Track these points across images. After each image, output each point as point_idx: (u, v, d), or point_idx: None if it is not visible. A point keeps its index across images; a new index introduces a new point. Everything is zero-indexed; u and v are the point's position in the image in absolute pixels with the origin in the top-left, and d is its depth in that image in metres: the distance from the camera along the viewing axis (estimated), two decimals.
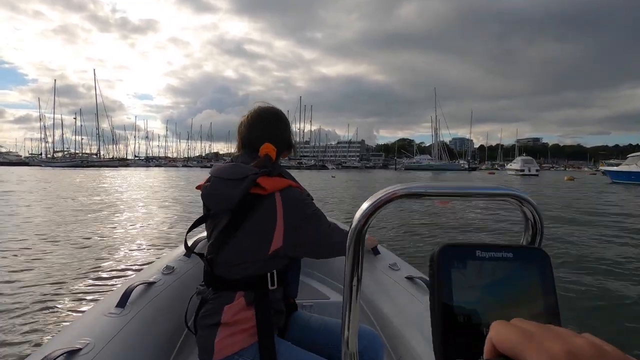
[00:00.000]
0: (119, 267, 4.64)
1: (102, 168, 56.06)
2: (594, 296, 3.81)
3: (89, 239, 6.25)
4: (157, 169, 67.34)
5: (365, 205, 0.47)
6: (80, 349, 1.13)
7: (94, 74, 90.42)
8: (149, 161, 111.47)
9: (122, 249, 5.61)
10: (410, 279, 1.82)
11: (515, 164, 52.40)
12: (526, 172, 47.75)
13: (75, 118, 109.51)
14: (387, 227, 7.97)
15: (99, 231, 6.97)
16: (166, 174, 37.51)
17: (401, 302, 1.67)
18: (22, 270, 4.50)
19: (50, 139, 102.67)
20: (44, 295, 3.74)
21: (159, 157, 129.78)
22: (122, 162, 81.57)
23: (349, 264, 0.49)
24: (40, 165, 63.25)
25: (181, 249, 2.13)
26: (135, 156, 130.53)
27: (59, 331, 1.49)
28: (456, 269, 0.40)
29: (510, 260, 0.42)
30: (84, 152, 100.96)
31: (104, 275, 4.38)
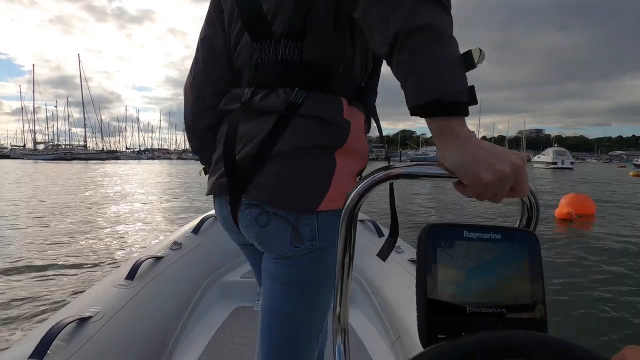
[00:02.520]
0: None
1: (88, 161, 51.58)
2: None
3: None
4: (149, 161, 62.63)
5: (358, 185, 0.48)
6: (90, 317, 1.18)
7: (79, 59, 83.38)
8: (140, 153, 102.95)
9: None
10: (413, 261, 1.83)
11: (546, 156, 45.94)
12: (559, 165, 41.79)
13: (56, 106, 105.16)
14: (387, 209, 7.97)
15: None
16: (151, 167, 35.02)
17: (403, 284, 1.69)
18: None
19: (42, 131, 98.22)
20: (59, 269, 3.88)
21: (153, 149, 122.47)
22: (110, 155, 74.48)
23: (341, 243, 0.50)
24: (22, 158, 58.21)
25: (189, 226, 2.18)
26: (126, 148, 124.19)
27: (70, 300, 1.55)
28: (443, 249, 0.41)
29: (499, 241, 0.42)
30: (69, 143, 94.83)
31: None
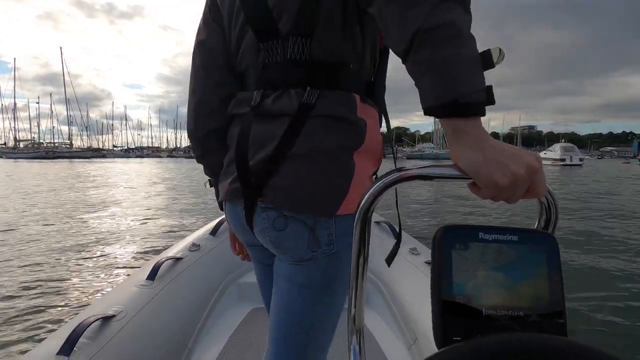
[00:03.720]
0: None
1: (73, 160, 49.30)
2: None
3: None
4: (137, 160, 58.28)
5: (372, 186, 0.48)
6: (114, 316, 1.22)
7: (61, 53, 79.07)
8: (128, 152, 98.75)
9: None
10: (430, 263, 1.81)
11: (553, 152, 43.31)
12: (568, 161, 39.14)
13: (38, 102, 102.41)
14: (407, 212, 7.90)
15: None
16: (138, 166, 31.91)
17: (419, 287, 1.68)
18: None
19: (30, 129, 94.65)
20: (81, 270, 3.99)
21: (142, 148, 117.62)
22: (96, 153, 72.41)
23: (355, 244, 0.50)
24: (1, 157, 56.15)
25: (206, 228, 2.22)
26: (113, 146, 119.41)
27: (94, 300, 1.60)
28: (458, 251, 0.41)
29: (515, 243, 0.42)
30: (50, 141, 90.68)
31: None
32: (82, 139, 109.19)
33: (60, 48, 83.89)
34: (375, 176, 0.78)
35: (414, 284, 1.73)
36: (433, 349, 0.41)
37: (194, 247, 1.94)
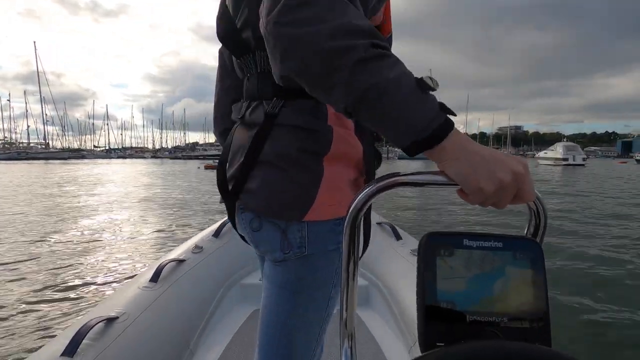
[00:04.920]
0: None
1: (48, 161, 47.08)
2: None
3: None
4: (119, 161, 56.25)
5: (362, 191, 0.49)
6: (117, 318, 1.24)
7: (34, 47, 73.85)
8: (110, 152, 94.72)
9: None
10: None
11: (554, 152, 42.23)
12: (570, 161, 37.74)
13: (9, 100, 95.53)
14: (407, 214, 7.88)
15: None
16: (116, 168, 29.87)
17: None
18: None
19: (17, 129, 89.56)
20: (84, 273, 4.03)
21: (125, 148, 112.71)
22: (75, 154, 68.37)
23: (345, 248, 0.51)
24: None
25: (209, 230, 2.24)
26: (94, 146, 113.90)
27: (98, 302, 1.63)
28: (442, 257, 0.42)
29: (500, 250, 0.43)
30: (22, 141, 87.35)
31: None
32: (66, 139, 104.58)
33: (34, 43, 78.65)
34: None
35: (415, 285, 1.73)
36: None
37: (197, 249, 1.96)
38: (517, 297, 0.42)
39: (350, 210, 0.49)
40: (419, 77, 0.47)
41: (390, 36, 0.77)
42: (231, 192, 0.74)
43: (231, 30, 0.74)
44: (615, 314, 3.08)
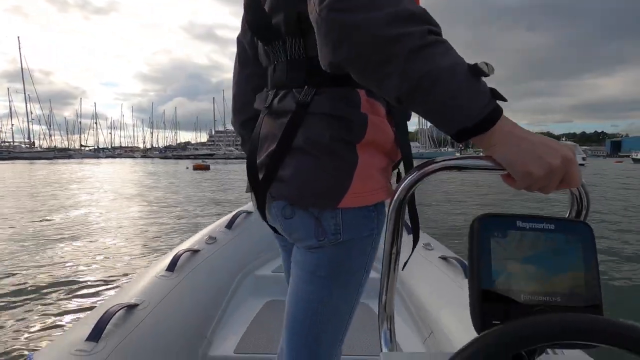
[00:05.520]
0: None
1: (33, 161, 45.11)
2: None
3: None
4: (108, 160, 53.83)
5: (407, 177, 0.49)
6: (137, 305, 1.25)
7: (19, 43, 72.74)
8: (98, 152, 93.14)
9: None
10: (444, 259, 1.82)
11: None
12: None
13: None
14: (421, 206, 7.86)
15: None
16: (96, 169, 27.70)
17: (434, 281, 1.69)
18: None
19: (2, 128, 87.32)
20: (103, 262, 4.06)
21: (114, 147, 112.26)
22: (61, 154, 66.44)
23: (389, 234, 0.52)
24: None
25: (222, 221, 2.25)
26: (81, 145, 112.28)
27: (117, 289, 1.65)
28: (496, 238, 0.42)
29: (552, 232, 0.43)
30: (4, 140, 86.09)
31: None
32: (54, 139, 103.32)
33: (18, 38, 76.81)
34: (398, 170, 0.79)
35: (429, 278, 1.74)
36: (449, 342, 0.42)
37: (211, 239, 1.97)
38: (569, 279, 0.42)
39: (395, 197, 0.50)
40: (473, 63, 0.47)
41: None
42: (262, 180, 0.72)
43: (260, 16, 0.73)
44: None
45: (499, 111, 0.47)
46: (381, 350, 0.56)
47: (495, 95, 0.47)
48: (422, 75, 0.45)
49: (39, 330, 2.68)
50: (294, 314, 0.76)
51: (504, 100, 0.48)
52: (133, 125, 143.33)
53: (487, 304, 0.41)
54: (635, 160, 48.23)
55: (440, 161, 0.49)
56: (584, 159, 39.19)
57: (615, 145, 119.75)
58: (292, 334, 0.77)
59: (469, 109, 0.46)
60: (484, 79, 0.48)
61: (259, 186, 0.73)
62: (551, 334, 0.33)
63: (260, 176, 0.73)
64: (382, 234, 0.55)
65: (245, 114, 0.89)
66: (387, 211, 0.53)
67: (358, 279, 0.74)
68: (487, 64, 0.47)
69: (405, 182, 0.49)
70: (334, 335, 0.77)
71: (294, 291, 0.76)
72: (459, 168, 0.49)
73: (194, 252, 1.78)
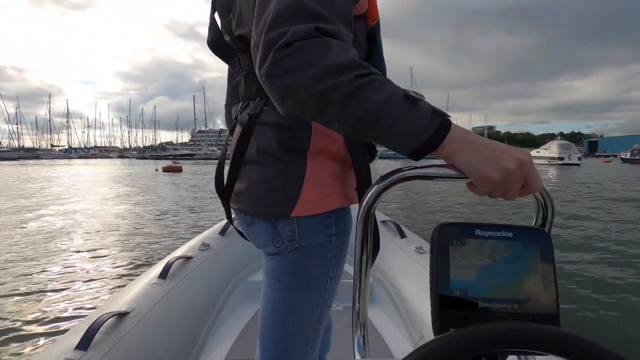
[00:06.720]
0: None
1: None
2: None
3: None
4: (80, 161, 49.45)
5: (373, 186, 0.51)
6: (128, 313, 1.26)
7: None
8: (70, 152, 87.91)
9: None
10: None
11: (549, 151, 40.46)
12: (567, 160, 36.64)
13: None
14: (415, 213, 7.88)
15: None
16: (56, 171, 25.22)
17: (425, 285, 1.70)
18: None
19: None
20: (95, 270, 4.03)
21: (88, 147, 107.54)
22: (28, 154, 63.31)
23: (358, 241, 0.53)
24: None
25: (216, 228, 2.26)
26: (51, 145, 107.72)
27: (109, 297, 1.65)
28: (455, 247, 0.43)
29: (510, 240, 0.44)
30: None
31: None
32: (22, 138, 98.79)
33: None
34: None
35: (420, 282, 1.75)
36: None
37: (204, 246, 1.98)
38: (527, 285, 0.43)
39: (362, 205, 0.51)
40: (404, 90, 0.50)
41: (377, 23, 0.74)
42: (225, 192, 0.77)
43: (216, 34, 0.78)
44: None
45: (446, 125, 0.48)
46: (354, 357, 0.57)
47: (436, 112, 0.49)
48: (359, 116, 0.49)
49: (28, 339, 2.65)
50: (264, 320, 0.79)
51: (446, 116, 0.50)
52: (110, 124, 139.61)
53: (446, 311, 0.42)
54: (624, 160, 47.56)
55: (401, 172, 0.50)
56: (579, 158, 38.43)
57: (591, 145, 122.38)
58: (262, 338, 0.79)
59: (414, 131, 0.48)
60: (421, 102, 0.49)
61: (222, 197, 0.79)
62: (494, 343, 0.34)
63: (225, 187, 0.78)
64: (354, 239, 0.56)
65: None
66: (355, 219, 0.54)
67: (322, 284, 0.75)
68: (415, 92, 0.50)
69: (369, 194, 0.51)
70: (304, 341, 0.78)
71: (264, 299, 0.79)
72: (422, 177, 0.50)
73: (187, 259, 1.79)
